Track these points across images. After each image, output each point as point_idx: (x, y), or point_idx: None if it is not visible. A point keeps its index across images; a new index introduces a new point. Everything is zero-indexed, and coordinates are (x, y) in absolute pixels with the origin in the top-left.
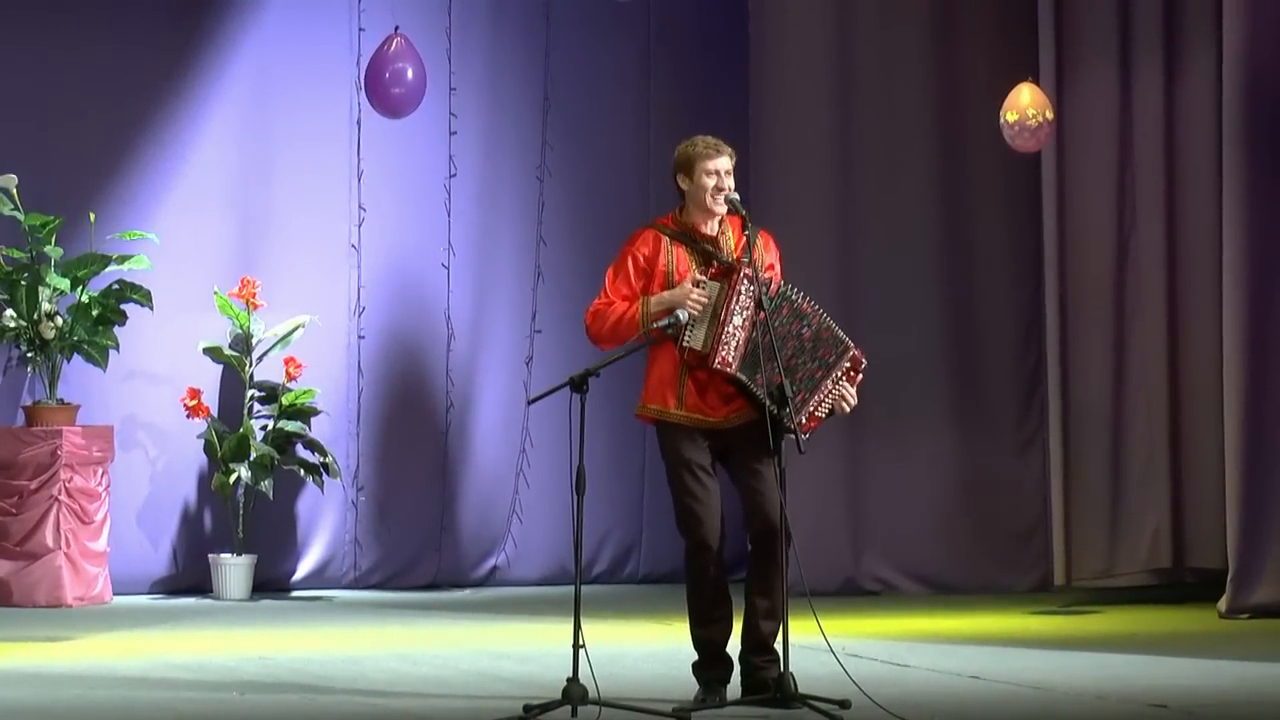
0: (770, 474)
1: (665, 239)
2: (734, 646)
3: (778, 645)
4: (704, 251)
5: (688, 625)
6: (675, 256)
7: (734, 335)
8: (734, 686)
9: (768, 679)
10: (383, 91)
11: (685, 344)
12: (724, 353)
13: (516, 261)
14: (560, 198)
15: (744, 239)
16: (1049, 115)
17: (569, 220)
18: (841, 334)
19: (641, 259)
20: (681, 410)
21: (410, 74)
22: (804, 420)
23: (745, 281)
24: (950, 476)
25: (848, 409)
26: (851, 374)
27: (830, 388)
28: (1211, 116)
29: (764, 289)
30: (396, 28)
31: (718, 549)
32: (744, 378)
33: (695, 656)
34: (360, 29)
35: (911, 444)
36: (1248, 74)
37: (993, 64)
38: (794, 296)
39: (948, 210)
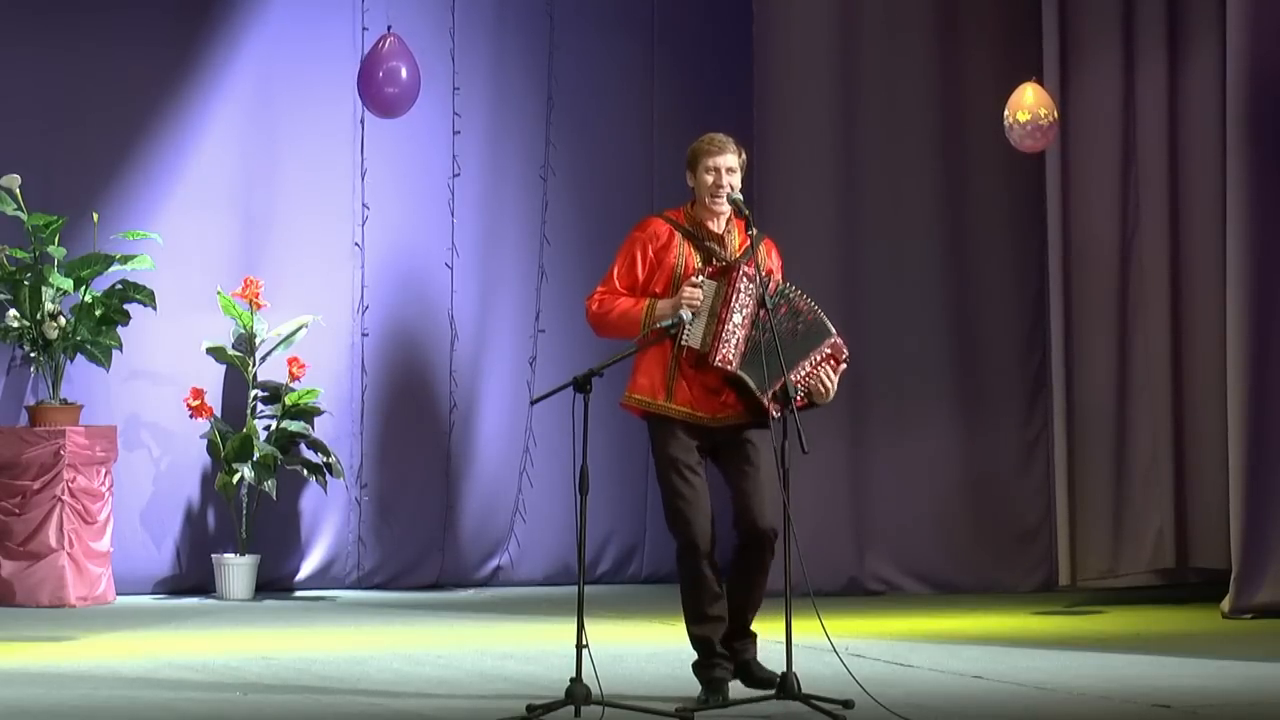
0: (760, 476)
1: (678, 235)
2: None
3: (780, 645)
4: (707, 249)
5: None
6: (685, 253)
7: (733, 333)
8: (739, 686)
9: (749, 660)
10: (375, 91)
11: (684, 342)
12: (724, 350)
13: (520, 261)
14: (564, 197)
15: (747, 240)
16: (1055, 114)
17: (573, 220)
18: (829, 324)
19: (651, 252)
20: (670, 403)
21: (404, 73)
22: (772, 393)
23: (744, 280)
24: (954, 476)
25: (825, 393)
26: (832, 361)
27: (809, 369)
28: (1215, 114)
29: (764, 287)
30: (389, 27)
31: (708, 548)
32: (745, 376)
33: (696, 656)
34: (364, 28)
35: (915, 444)
36: (1251, 71)
37: (996, 63)
38: (791, 294)
39: (951, 210)
